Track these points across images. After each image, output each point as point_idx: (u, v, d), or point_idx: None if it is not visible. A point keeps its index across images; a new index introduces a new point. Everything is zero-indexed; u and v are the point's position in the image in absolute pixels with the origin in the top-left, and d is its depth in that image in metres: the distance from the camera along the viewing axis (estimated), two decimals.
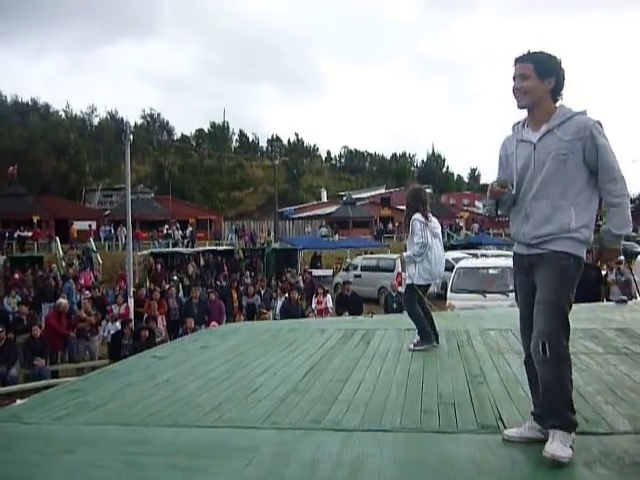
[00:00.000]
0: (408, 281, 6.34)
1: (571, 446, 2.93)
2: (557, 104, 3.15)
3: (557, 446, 2.90)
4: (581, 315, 8.09)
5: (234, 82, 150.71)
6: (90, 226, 41.12)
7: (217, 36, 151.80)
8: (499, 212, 3.35)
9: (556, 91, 3.13)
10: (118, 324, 13.35)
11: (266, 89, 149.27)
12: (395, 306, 14.50)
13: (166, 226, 42.71)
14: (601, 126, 3.04)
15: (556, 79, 3.11)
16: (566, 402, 3.01)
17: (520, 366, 5.03)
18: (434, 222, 6.27)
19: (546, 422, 3.05)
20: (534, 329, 3.05)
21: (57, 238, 34.33)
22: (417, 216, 6.15)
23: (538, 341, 3.00)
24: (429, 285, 6.41)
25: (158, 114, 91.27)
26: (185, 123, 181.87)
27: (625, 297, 10.04)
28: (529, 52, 3.14)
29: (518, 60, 3.14)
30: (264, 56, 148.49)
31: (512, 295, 13.29)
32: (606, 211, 3.06)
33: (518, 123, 3.28)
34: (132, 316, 15.15)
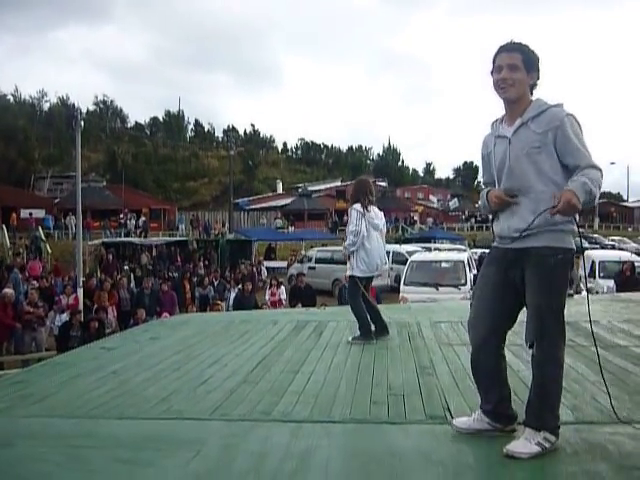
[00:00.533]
0: (348, 272, 6.34)
1: (545, 447, 2.91)
2: (533, 97, 3.09)
3: (519, 443, 2.92)
4: None
5: (189, 71, 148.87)
6: (30, 214, 39.30)
7: (171, 23, 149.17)
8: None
9: (534, 87, 3.07)
10: (65, 315, 13.04)
11: (222, 79, 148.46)
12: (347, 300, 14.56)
13: (121, 215, 41.89)
14: (575, 119, 2.96)
15: (538, 74, 3.06)
16: (549, 402, 2.98)
17: (467, 358, 5.13)
18: (374, 213, 6.26)
19: (525, 419, 3.03)
20: (527, 330, 2.99)
21: (4, 226, 33.35)
22: (355, 205, 6.20)
23: (532, 342, 2.98)
24: (371, 278, 6.39)
25: (111, 101, 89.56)
26: (139, 111, 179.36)
27: (571, 291, 10.33)
28: (515, 42, 3.03)
29: (506, 50, 3.01)
30: (220, 45, 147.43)
31: (464, 288, 13.65)
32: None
33: (496, 120, 3.20)
34: (81, 307, 14.84)
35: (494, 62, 3.05)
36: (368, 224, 6.15)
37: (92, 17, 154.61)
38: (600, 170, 2.89)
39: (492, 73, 3.07)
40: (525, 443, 2.92)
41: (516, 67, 2.98)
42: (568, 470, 2.76)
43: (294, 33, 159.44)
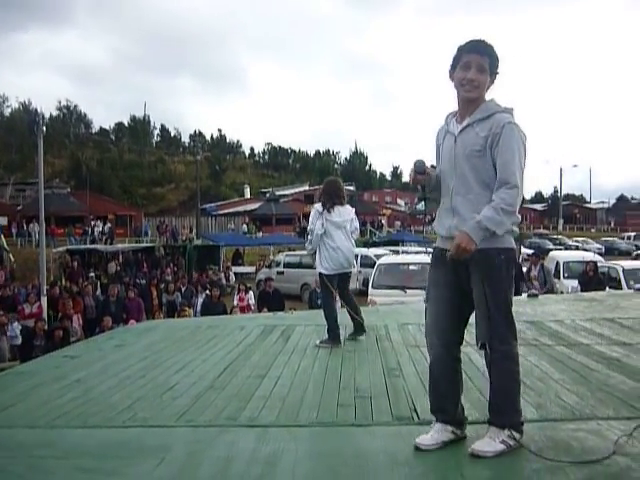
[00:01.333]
0: (317, 270, 6.40)
1: (510, 444, 2.93)
2: (487, 98, 3.09)
3: (483, 442, 2.94)
4: None
5: (153, 75, 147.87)
6: None
7: (133, 27, 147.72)
8: (428, 205, 3.29)
9: (489, 87, 3.07)
10: (17, 324, 12.72)
11: (186, 83, 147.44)
12: (319, 302, 14.56)
13: (91, 224, 41.16)
14: (516, 129, 2.94)
15: (496, 77, 3.07)
16: (509, 399, 3.00)
17: None
18: (338, 212, 6.26)
19: (488, 418, 3.05)
20: (478, 330, 3.01)
21: None
22: (316, 205, 6.33)
23: (483, 343, 2.99)
24: (341, 275, 6.34)
25: (75, 106, 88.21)
26: (103, 116, 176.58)
27: (536, 291, 10.47)
28: (487, 44, 3.01)
29: (477, 51, 2.99)
30: (183, 50, 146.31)
31: None
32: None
33: (450, 114, 3.20)
34: (45, 315, 14.57)
35: (460, 58, 3.02)
36: (327, 222, 6.18)
37: (53, 20, 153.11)
38: (516, 188, 2.88)
39: (454, 67, 3.05)
40: (490, 442, 2.94)
41: (484, 69, 2.99)
42: (532, 467, 2.78)
43: (258, 37, 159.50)
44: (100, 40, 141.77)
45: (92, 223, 41.45)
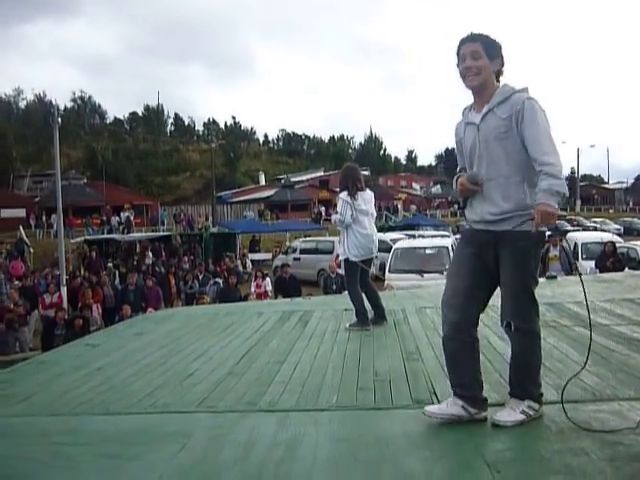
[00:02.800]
0: (342, 257, 6.42)
1: (530, 414, 3.07)
2: (500, 83, 3.15)
3: (504, 412, 3.09)
4: None
5: (162, 64, 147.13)
6: None
7: (140, 15, 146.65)
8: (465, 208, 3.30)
9: (499, 73, 3.15)
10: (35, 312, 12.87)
11: (197, 71, 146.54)
12: (335, 288, 14.59)
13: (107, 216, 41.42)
14: (536, 103, 3.02)
15: (502, 61, 3.14)
16: (529, 372, 3.14)
17: None
18: (362, 199, 6.27)
19: (510, 390, 3.20)
20: (503, 308, 3.11)
21: None
22: (342, 195, 6.30)
23: (509, 321, 3.08)
24: (366, 261, 6.38)
25: (89, 97, 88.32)
26: (115, 106, 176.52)
27: (555, 273, 10.38)
28: (475, 33, 3.13)
29: (466, 40, 3.11)
30: (191, 37, 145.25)
31: None
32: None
33: (467, 107, 3.27)
34: (65, 305, 14.73)
35: (458, 54, 3.14)
36: (355, 211, 6.18)
37: (59, 11, 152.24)
38: (556, 154, 2.95)
39: (458, 65, 3.16)
40: (510, 412, 3.08)
41: (478, 55, 3.07)
42: (554, 448, 2.77)
43: (266, 22, 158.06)
44: (108, 29, 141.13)
45: (109, 213, 41.62)
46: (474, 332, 3.19)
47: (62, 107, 69.38)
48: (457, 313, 3.14)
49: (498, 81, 3.15)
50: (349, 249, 6.21)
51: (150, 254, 26.30)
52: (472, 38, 3.11)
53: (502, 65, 3.14)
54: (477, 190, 3.14)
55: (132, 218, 40.24)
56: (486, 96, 3.11)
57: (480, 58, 3.07)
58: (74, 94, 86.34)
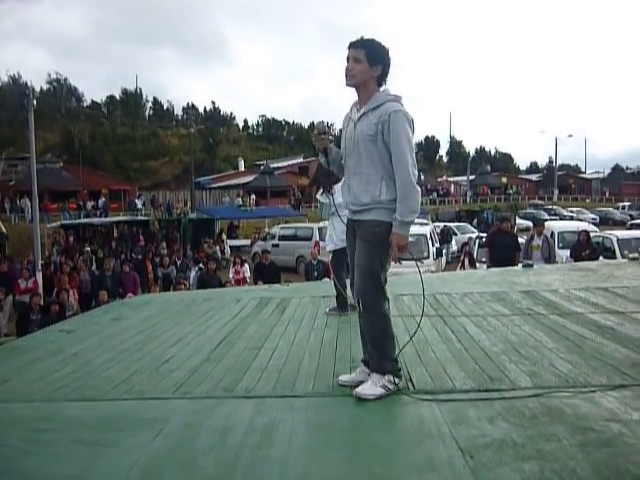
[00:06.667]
0: (327, 249, 6.53)
1: (389, 388, 3.41)
2: (381, 89, 3.47)
3: (366, 386, 3.41)
4: (490, 279, 8.41)
5: (133, 47, 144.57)
6: None
7: None
8: (332, 168, 3.79)
9: (382, 77, 3.46)
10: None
11: (169, 55, 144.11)
12: (316, 274, 14.60)
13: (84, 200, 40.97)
14: (403, 115, 3.35)
15: (383, 67, 3.43)
16: (382, 349, 3.47)
17: (430, 329, 5.19)
18: (338, 191, 6.32)
19: (370, 366, 3.55)
20: (354, 287, 3.54)
21: None
22: (318, 195, 6.48)
23: (357, 299, 3.49)
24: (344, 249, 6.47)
25: (65, 79, 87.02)
26: (88, 89, 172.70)
27: (531, 262, 10.49)
28: (362, 39, 3.41)
29: (352, 45, 3.40)
30: (161, 19, 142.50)
31: (427, 262, 13.93)
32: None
33: (354, 103, 3.58)
34: (41, 290, 14.58)
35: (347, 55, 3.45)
36: (334, 206, 6.23)
37: None
38: (407, 167, 3.32)
39: None
40: (372, 386, 3.42)
41: (358, 60, 3.39)
42: (527, 433, 2.82)
43: (239, 5, 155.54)
44: (74, 10, 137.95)
45: (85, 198, 41.18)
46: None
47: (37, 89, 68.26)
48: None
49: (380, 85, 3.47)
50: (331, 238, 6.37)
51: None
52: (356, 44, 3.40)
53: (384, 71, 3.44)
54: (325, 139, 3.61)
55: (107, 204, 39.79)
56: (365, 98, 3.46)
57: (360, 63, 3.38)
58: (49, 76, 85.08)
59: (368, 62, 3.39)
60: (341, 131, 3.70)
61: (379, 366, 3.46)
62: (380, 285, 3.44)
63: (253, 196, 47.87)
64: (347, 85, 3.47)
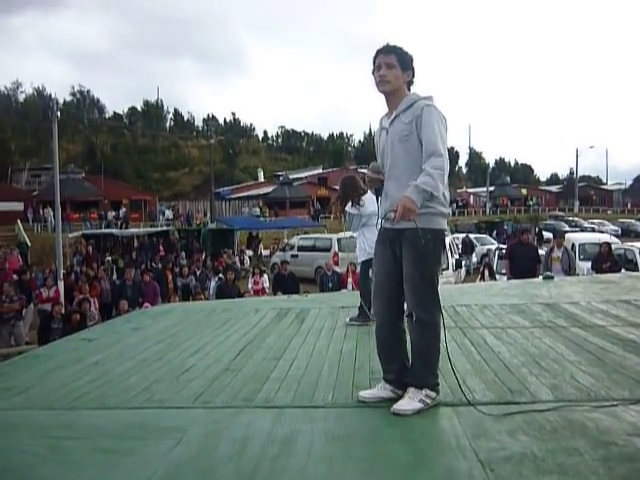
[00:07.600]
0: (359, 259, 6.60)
1: (427, 402, 3.32)
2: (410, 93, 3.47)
3: (403, 402, 3.31)
4: (510, 291, 8.34)
5: (156, 59, 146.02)
6: None
7: (129, 9, 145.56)
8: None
9: (411, 83, 3.47)
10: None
11: (188, 66, 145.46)
12: (330, 285, 14.59)
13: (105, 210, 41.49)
14: (435, 109, 3.31)
15: (413, 72, 3.46)
16: (427, 363, 3.37)
17: (449, 341, 5.16)
18: (367, 202, 6.33)
19: (408, 379, 3.43)
20: (406, 300, 3.38)
21: None
22: (347, 207, 6.46)
23: (410, 311, 3.35)
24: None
25: (88, 91, 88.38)
26: (109, 101, 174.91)
27: (552, 274, 10.40)
28: (390, 45, 3.42)
29: (382, 51, 3.40)
30: (181, 31, 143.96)
31: (446, 273, 14.02)
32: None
33: (383, 116, 3.57)
34: (62, 299, 14.73)
35: (374, 63, 3.44)
36: (365, 217, 6.33)
37: (44, 2, 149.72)
38: (441, 156, 3.23)
39: (373, 72, 3.46)
40: (409, 401, 3.31)
41: (392, 65, 3.39)
42: (547, 447, 2.78)
43: (257, 17, 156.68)
44: (96, 22, 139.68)
45: (107, 208, 41.64)
46: (399, 321, 3.48)
47: (61, 101, 69.19)
48: (384, 307, 3.49)
49: (409, 90, 3.47)
50: (363, 249, 6.41)
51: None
52: (388, 50, 3.40)
53: (413, 76, 3.46)
54: (380, 178, 3.49)
55: (128, 214, 40.23)
56: (396, 103, 3.43)
57: (393, 68, 3.38)
58: (73, 88, 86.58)
59: (401, 67, 3.39)
60: (376, 148, 3.68)
61: (420, 380, 3.36)
62: (435, 295, 3.33)
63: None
64: (380, 91, 3.44)
